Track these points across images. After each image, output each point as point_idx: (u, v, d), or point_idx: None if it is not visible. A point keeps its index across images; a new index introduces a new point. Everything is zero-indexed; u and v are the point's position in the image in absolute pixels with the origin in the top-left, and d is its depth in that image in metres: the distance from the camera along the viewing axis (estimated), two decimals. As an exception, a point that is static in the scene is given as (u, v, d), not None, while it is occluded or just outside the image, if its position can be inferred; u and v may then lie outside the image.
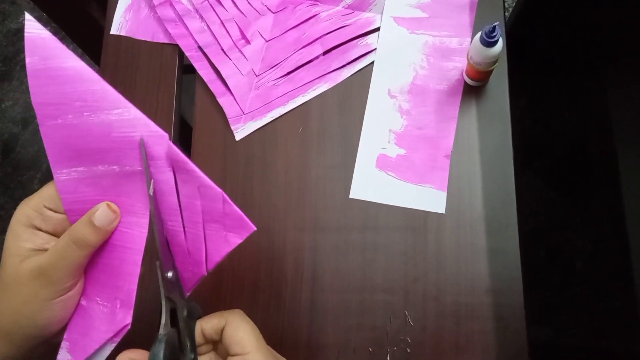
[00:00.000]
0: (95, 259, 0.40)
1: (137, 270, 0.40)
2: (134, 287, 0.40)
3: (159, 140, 0.39)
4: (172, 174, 0.39)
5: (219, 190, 0.39)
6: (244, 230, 0.39)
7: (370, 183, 0.58)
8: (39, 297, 0.36)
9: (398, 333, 0.54)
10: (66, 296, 0.37)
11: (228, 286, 0.58)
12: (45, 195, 0.39)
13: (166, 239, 0.40)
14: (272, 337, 0.56)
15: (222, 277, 0.58)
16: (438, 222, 0.57)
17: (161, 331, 0.38)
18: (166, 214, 0.40)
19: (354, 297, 0.56)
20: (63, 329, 0.39)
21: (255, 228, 0.39)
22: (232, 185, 0.61)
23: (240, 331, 0.39)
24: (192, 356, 0.39)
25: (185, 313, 0.40)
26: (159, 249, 0.39)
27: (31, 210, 0.38)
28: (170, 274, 0.40)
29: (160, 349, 0.35)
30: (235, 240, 0.40)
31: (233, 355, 0.39)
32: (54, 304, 0.36)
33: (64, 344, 0.40)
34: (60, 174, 0.39)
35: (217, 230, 0.40)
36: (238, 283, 0.58)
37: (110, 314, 0.40)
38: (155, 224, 0.39)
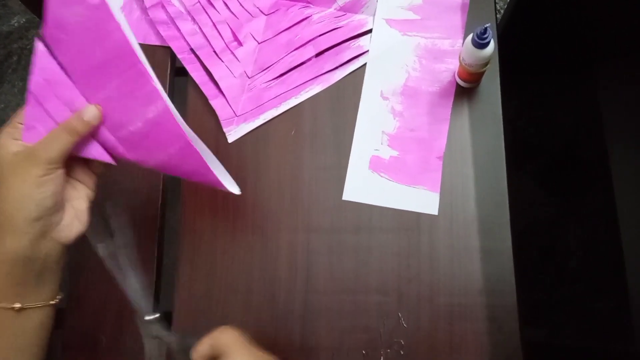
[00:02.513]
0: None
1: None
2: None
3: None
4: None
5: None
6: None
7: (363, 185, 0.58)
8: (31, 173, 0.42)
9: (392, 335, 0.54)
10: (54, 174, 0.42)
11: (221, 289, 0.57)
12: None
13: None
14: (265, 339, 0.56)
15: (215, 280, 0.58)
16: (431, 224, 0.57)
17: None
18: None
19: (347, 298, 0.56)
20: (58, 209, 0.44)
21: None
22: (225, 188, 0.61)
23: (222, 337, 0.45)
24: None
25: (176, 346, 0.45)
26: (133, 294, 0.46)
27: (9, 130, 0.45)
28: (149, 317, 0.45)
29: None
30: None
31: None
32: (45, 180, 0.42)
33: None
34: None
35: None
36: (231, 285, 0.57)
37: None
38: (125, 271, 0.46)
